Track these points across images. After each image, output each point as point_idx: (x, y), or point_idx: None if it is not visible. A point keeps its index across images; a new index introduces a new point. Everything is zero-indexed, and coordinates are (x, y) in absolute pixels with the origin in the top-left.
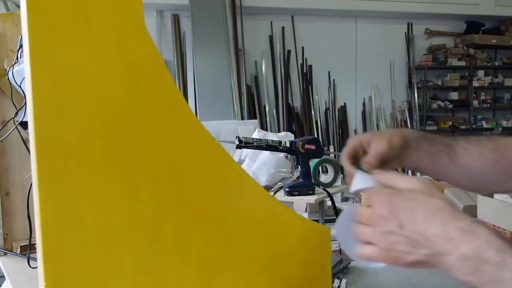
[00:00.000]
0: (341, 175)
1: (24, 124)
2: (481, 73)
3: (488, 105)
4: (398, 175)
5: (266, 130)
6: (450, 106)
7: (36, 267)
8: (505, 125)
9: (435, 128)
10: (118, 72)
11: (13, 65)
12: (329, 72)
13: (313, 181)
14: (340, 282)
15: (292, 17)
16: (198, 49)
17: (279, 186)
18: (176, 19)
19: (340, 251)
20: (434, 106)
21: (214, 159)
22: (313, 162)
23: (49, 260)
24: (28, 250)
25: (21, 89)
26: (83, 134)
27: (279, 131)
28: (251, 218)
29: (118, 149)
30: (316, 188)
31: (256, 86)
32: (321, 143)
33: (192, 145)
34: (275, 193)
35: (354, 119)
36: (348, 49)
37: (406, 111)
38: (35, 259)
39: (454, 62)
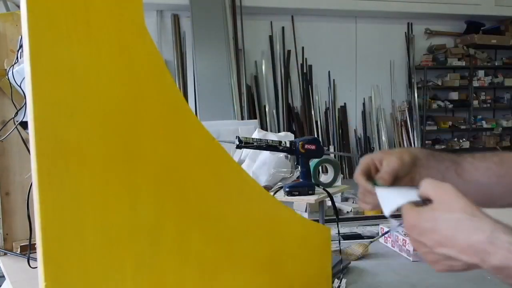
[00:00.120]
0: (341, 175)
1: (24, 124)
2: (481, 73)
3: (488, 105)
4: (427, 183)
5: (266, 130)
6: (450, 106)
7: (36, 267)
8: (505, 125)
9: (435, 128)
10: (118, 72)
11: (13, 65)
12: (329, 72)
13: (313, 181)
14: (340, 282)
15: (292, 17)
16: (198, 49)
17: (279, 186)
18: (176, 19)
19: (340, 251)
20: (434, 106)
21: (214, 159)
22: (313, 162)
23: (49, 260)
24: (28, 250)
25: (21, 89)
26: (83, 134)
27: (279, 131)
28: (251, 218)
29: (118, 149)
30: (316, 188)
31: (256, 86)
32: (321, 143)
33: (192, 145)
34: (275, 193)
35: (354, 119)
36: (348, 49)
37: (406, 111)
38: (35, 259)
39: (454, 62)
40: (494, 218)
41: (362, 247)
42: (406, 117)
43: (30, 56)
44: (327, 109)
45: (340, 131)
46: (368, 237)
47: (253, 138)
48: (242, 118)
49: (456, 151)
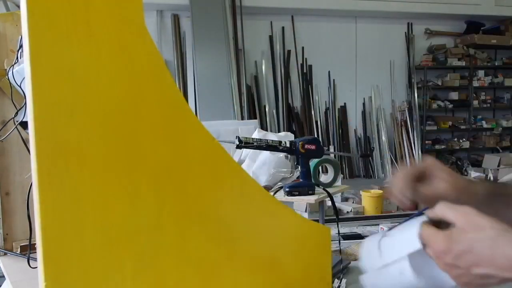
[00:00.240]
0: (341, 175)
1: (24, 124)
2: (481, 73)
3: (488, 105)
4: (444, 207)
5: (266, 130)
6: (450, 106)
7: (36, 267)
8: (505, 125)
9: (435, 128)
10: (118, 72)
11: (13, 65)
12: (329, 72)
13: (313, 181)
14: (340, 282)
15: (292, 17)
16: (198, 49)
17: (279, 186)
18: (176, 19)
19: (340, 251)
20: (434, 106)
21: (214, 159)
22: (313, 162)
23: (49, 260)
24: (28, 250)
25: (21, 89)
26: (83, 134)
27: (279, 131)
28: (251, 218)
29: (118, 149)
30: (316, 188)
31: (256, 86)
32: (321, 143)
33: (192, 145)
34: (275, 193)
35: (354, 119)
36: (348, 49)
37: (406, 111)
38: (35, 259)
39: (454, 62)
40: None
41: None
42: (406, 117)
43: (30, 56)
44: (327, 109)
45: (340, 131)
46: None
47: (253, 138)
48: (242, 118)
49: (456, 151)
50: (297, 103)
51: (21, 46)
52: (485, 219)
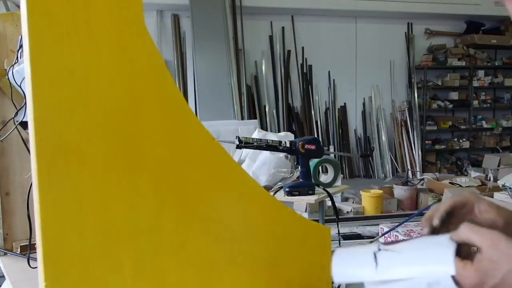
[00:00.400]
0: (341, 175)
1: (24, 124)
2: (481, 73)
3: (488, 105)
4: (468, 231)
5: (266, 130)
6: (450, 106)
7: (36, 267)
8: (505, 125)
9: (435, 128)
10: (118, 72)
11: (13, 65)
12: (329, 72)
13: (313, 181)
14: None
15: (292, 17)
16: (198, 49)
17: (279, 186)
18: (176, 19)
19: None
20: (434, 106)
21: (214, 159)
22: (313, 162)
23: (49, 260)
24: (28, 250)
25: (21, 89)
26: (83, 134)
27: (279, 131)
28: (251, 218)
29: (118, 149)
30: (316, 188)
31: (256, 86)
32: (321, 143)
33: (192, 145)
34: (275, 193)
35: (354, 119)
36: (348, 49)
37: (406, 111)
38: (35, 259)
39: (454, 62)
40: None
41: None
42: (406, 117)
43: (30, 56)
44: (327, 109)
45: (340, 131)
46: (368, 237)
47: (253, 138)
48: (242, 118)
49: (456, 151)
50: (297, 103)
51: (21, 46)
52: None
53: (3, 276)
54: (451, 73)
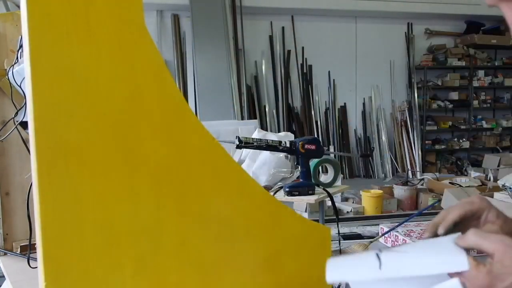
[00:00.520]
0: (341, 175)
1: (24, 124)
2: (481, 73)
3: (488, 105)
4: (478, 237)
5: (266, 130)
6: (450, 106)
7: (36, 267)
8: (505, 125)
9: (435, 128)
10: (118, 72)
11: (13, 65)
12: (329, 72)
13: (313, 181)
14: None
15: (292, 17)
16: (198, 49)
17: (279, 186)
18: (176, 19)
19: (340, 251)
20: (434, 106)
21: (214, 159)
22: (313, 162)
23: (49, 260)
24: (28, 250)
25: (21, 89)
26: (83, 134)
27: (279, 131)
28: (251, 218)
29: (118, 149)
30: (316, 188)
31: (256, 86)
32: (321, 143)
33: (192, 145)
34: (275, 193)
35: (354, 119)
36: (348, 49)
37: (406, 111)
38: (35, 259)
39: (454, 62)
40: None
41: (362, 247)
42: (406, 117)
43: (30, 56)
44: (327, 109)
45: (340, 131)
46: (368, 237)
47: (253, 138)
48: (242, 118)
49: (456, 151)
50: (297, 103)
51: (21, 46)
52: None
53: (3, 276)
54: (451, 73)
